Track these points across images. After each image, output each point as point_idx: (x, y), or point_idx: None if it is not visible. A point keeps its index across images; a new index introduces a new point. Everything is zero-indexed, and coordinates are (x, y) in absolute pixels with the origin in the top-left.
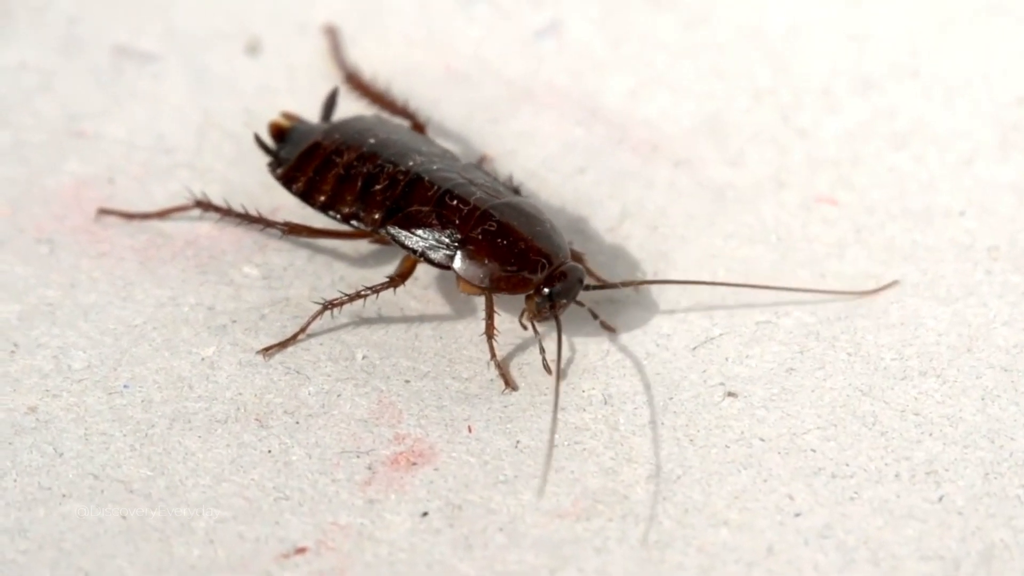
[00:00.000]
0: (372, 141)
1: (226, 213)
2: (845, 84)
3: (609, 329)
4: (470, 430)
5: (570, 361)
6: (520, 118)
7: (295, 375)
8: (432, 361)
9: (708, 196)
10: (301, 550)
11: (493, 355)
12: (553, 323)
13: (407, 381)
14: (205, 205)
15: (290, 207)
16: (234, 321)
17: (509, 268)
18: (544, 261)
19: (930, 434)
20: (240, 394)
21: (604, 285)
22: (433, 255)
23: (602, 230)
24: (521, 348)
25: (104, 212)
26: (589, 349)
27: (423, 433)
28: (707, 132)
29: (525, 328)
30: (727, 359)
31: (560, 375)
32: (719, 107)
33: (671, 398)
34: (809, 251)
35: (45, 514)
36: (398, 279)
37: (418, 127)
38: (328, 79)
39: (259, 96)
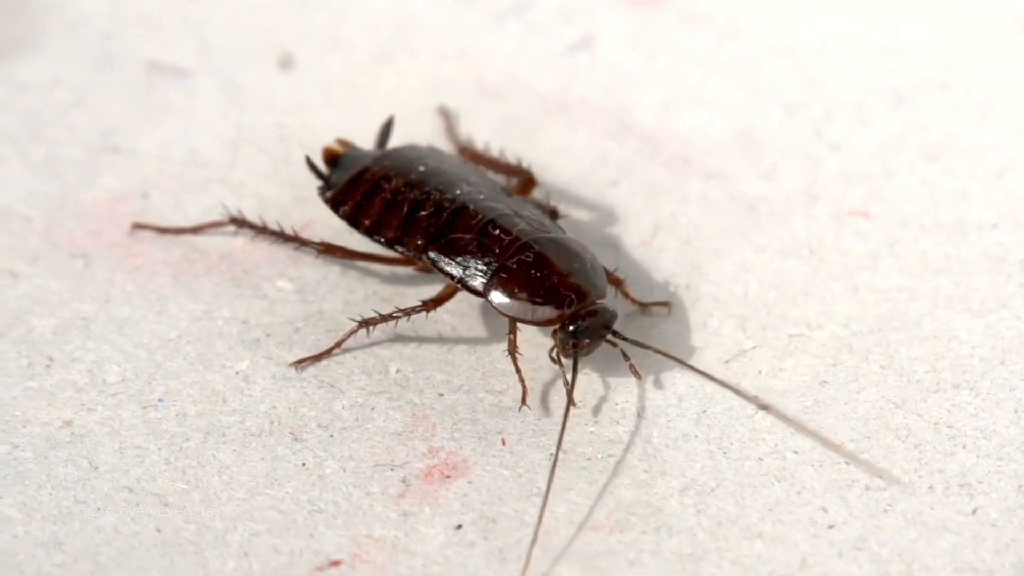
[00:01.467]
0: (422, 169)
1: (261, 230)
2: (877, 98)
3: (637, 375)
4: (504, 443)
5: (603, 375)
6: (553, 132)
7: (329, 388)
8: (466, 374)
9: (740, 209)
10: (335, 563)
11: (517, 370)
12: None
13: (441, 394)
14: (240, 222)
15: (323, 221)
16: (268, 335)
17: (537, 300)
18: (573, 297)
19: (963, 446)
20: (274, 408)
21: (637, 303)
22: (470, 281)
23: (635, 243)
24: (554, 367)
25: (139, 227)
26: (623, 363)
27: (457, 446)
28: (739, 146)
29: (554, 362)
30: (760, 372)
31: (568, 413)
32: (751, 121)
33: (704, 411)
34: (842, 264)
35: (80, 527)
36: (431, 304)
37: (530, 182)
38: (360, 94)
39: (292, 111)
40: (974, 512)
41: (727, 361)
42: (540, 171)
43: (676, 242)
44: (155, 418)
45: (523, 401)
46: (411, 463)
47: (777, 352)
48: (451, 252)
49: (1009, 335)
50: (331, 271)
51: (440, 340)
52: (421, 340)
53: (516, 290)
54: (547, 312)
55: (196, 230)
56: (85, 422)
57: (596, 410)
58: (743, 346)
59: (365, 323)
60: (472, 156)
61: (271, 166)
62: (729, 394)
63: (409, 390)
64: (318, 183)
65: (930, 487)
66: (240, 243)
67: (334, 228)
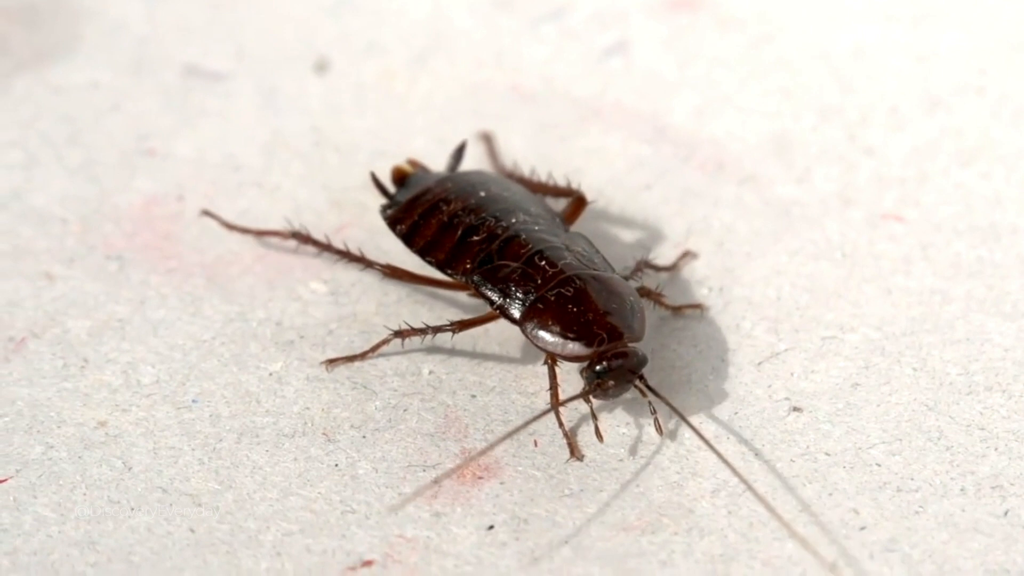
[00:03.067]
0: (482, 194)
1: (325, 248)
2: (911, 102)
3: (659, 430)
4: (536, 444)
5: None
6: (588, 136)
7: (362, 390)
8: (498, 376)
9: (774, 213)
10: (368, 563)
11: (560, 425)
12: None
13: (473, 396)
14: (303, 237)
15: (357, 225)
16: (302, 336)
17: (569, 335)
18: (604, 336)
19: (995, 448)
20: (307, 409)
21: (670, 307)
22: (509, 309)
23: (669, 246)
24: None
25: (207, 214)
26: (655, 364)
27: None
28: (773, 150)
29: (584, 400)
30: (792, 374)
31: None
32: (785, 125)
33: (736, 412)
34: (875, 267)
35: (114, 527)
36: (459, 325)
37: (581, 201)
38: (395, 99)
39: (327, 115)
40: (1006, 514)
41: (759, 363)
42: (575, 174)
43: (709, 245)
44: (189, 419)
45: (572, 454)
46: (443, 464)
47: (809, 354)
48: (495, 278)
49: None
50: (365, 274)
51: (473, 342)
52: (454, 341)
53: (550, 322)
54: (576, 348)
55: (259, 234)
56: (119, 423)
57: (628, 410)
58: (775, 348)
59: (399, 334)
60: (519, 181)
61: (306, 170)
62: (761, 396)
63: (442, 391)
64: (379, 198)
65: (962, 489)
66: (274, 245)
67: (368, 230)
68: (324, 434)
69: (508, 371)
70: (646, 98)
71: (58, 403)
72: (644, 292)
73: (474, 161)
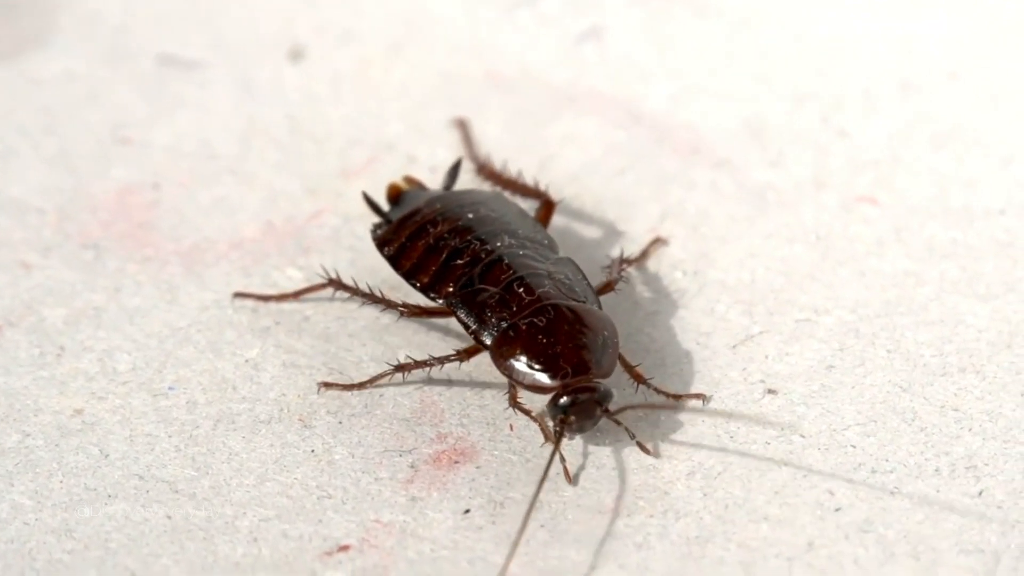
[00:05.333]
0: (470, 216)
1: (355, 292)
2: (885, 87)
3: (645, 451)
4: (512, 428)
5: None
6: (562, 122)
7: (338, 376)
8: (475, 361)
9: (748, 197)
10: (344, 548)
11: (527, 413)
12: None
13: (449, 381)
14: (337, 284)
15: (332, 211)
16: (277, 323)
17: (535, 365)
18: (569, 370)
19: (970, 429)
20: (283, 395)
21: (670, 395)
22: (481, 334)
23: (643, 231)
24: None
25: (240, 296)
26: (629, 349)
27: (465, 432)
28: (748, 134)
29: (555, 442)
30: (767, 357)
31: (538, 492)
32: (760, 110)
33: (711, 396)
34: (849, 250)
35: (91, 514)
36: (464, 354)
37: (549, 205)
38: (371, 87)
39: (303, 103)
40: (980, 494)
41: (734, 346)
42: (550, 160)
43: (684, 229)
44: (165, 406)
45: (546, 439)
46: (419, 449)
47: (784, 337)
48: (473, 303)
49: (1016, 319)
50: (340, 260)
51: (448, 328)
52: (430, 327)
53: (518, 351)
54: (540, 379)
55: (297, 295)
56: (96, 410)
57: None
58: (750, 331)
59: (400, 368)
60: (490, 175)
61: (282, 158)
62: (736, 379)
63: (417, 376)
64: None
65: (936, 469)
66: (250, 232)
67: (343, 217)
68: (300, 420)
69: (484, 356)
70: (621, 84)
71: (34, 391)
72: (637, 377)
73: (450, 149)
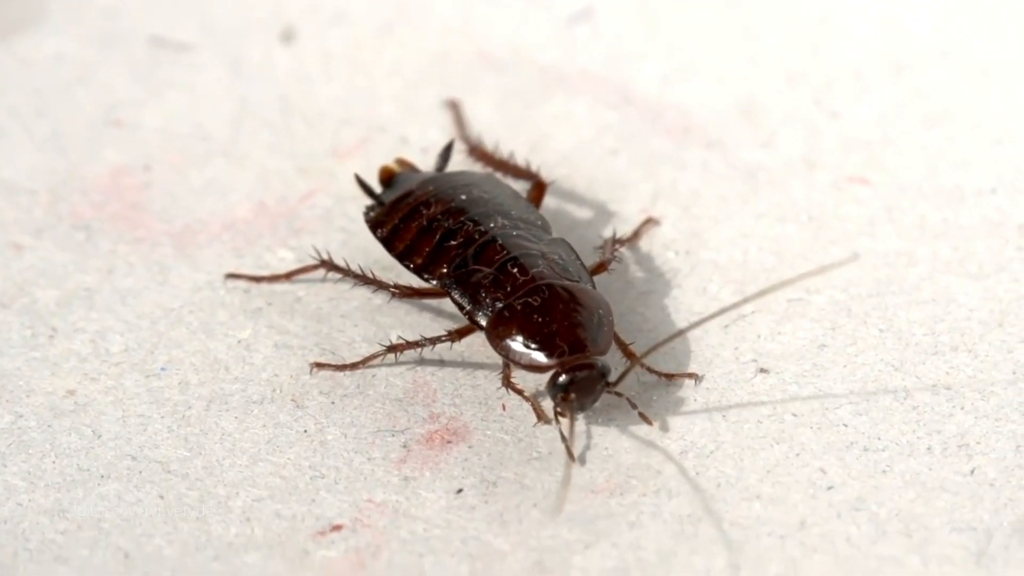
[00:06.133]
0: (463, 197)
1: (346, 273)
2: (877, 67)
3: (647, 421)
4: (504, 408)
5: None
6: (554, 103)
7: (331, 356)
8: (467, 341)
9: (740, 177)
10: (337, 527)
11: (520, 393)
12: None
13: (441, 361)
14: (329, 265)
15: (325, 191)
16: (270, 304)
17: (531, 344)
18: (566, 349)
19: (961, 408)
20: (276, 375)
21: (662, 375)
22: (476, 315)
23: (635, 211)
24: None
25: (232, 276)
26: (621, 329)
27: (457, 412)
28: (739, 115)
29: (556, 417)
30: (759, 336)
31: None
32: (751, 90)
33: (704, 375)
34: (841, 230)
35: (84, 495)
36: (456, 335)
37: (541, 186)
38: (362, 67)
39: (294, 84)
40: (972, 472)
41: (726, 326)
42: (542, 140)
43: (676, 209)
44: (158, 387)
45: (539, 419)
46: (412, 428)
47: (776, 316)
48: (467, 284)
49: (1007, 298)
50: (332, 240)
51: (440, 309)
52: (422, 308)
53: (514, 331)
54: (537, 358)
55: (289, 276)
56: (88, 391)
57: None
58: (742, 311)
59: (392, 349)
60: (481, 156)
61: (273, 139)
62: (728, 358)
63: (410, 357)
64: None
65: (928, 448)
66: (242, 213)
67: (335, 197)
68: (293, 400)
69: (476, 336)
70: (613, 64)
71: (27, 372)
72: (630, 356)
73: (442, 130)
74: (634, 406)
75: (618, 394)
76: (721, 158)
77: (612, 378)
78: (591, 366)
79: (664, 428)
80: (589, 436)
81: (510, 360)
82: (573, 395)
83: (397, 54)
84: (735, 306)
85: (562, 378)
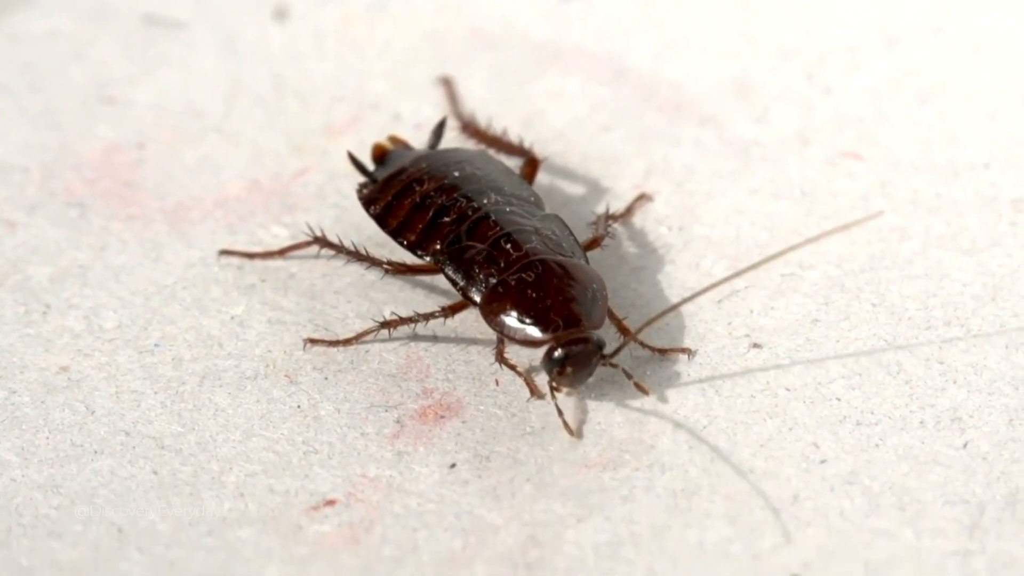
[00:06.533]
0: (456, 174)
1: (340, 250)
2: (870, 42)
3: (643, 391)
4: (497, 383)
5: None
6: (547, 80)
7: (324, 332)
8: (460, 316)
9: (733, 153)
10: (331, 502)
11: (513, 368)
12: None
13: (435, 337)
14: (322, 242)
15: (318, 169)
16: (263, 280)
17: (526, 320)
18: (560, 324)
19: (954, 382)
20: (269, 351)
21: (656, 350)
22: (469, 291)
23: (628, 187)
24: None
25: (225, 253)
26: (615, 304)
27: (451, 387)
28: (732, 91)
29: (552, 392)
30: (752, 311)
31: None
32: (744, 66)
33: (697, 350)
34: (834, 205)
35: (77, 470)
36: (449, 310)
37: (534, 163)
38: (355, 45)
39: (287, 62)
40: (965, 446)
41: (719, 301)
42: (535, 117)
43: (669, 185)
44: (151, 363)
45: (532, 394)
46: (405, 404)
47: (769, 292)
48: (460, 260)
49: (1000, 273)
50: (325, 217)
51: (433, 285)
52: (415, 284)
53: (508, 306)
54: (532, 333)
55: (282, 252)
56: (82, 367)
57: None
58: (735, 286)
59: (385, 325)
60: (474, 132)
61: (266, 116)
62: (721, 333)
63: (403, 332)
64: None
65: (921, 422)
66: (235, 191)
67: (328, 174)
68: (286, 376)
69: (470, 312)
70: (605, 41)
71: (20, 349)
72: (624, 331)
73: (435, 107)
74: (629, 376)
75: (613, 365)
76: (714, 134)
77: (607, 352)
78: (586, 340)
79: (657, 403)
80: (582, 411)
81: (505, 336)
82: (569, 369)
83: (390, 31)
84: (737, 275)
85: (557, 353)
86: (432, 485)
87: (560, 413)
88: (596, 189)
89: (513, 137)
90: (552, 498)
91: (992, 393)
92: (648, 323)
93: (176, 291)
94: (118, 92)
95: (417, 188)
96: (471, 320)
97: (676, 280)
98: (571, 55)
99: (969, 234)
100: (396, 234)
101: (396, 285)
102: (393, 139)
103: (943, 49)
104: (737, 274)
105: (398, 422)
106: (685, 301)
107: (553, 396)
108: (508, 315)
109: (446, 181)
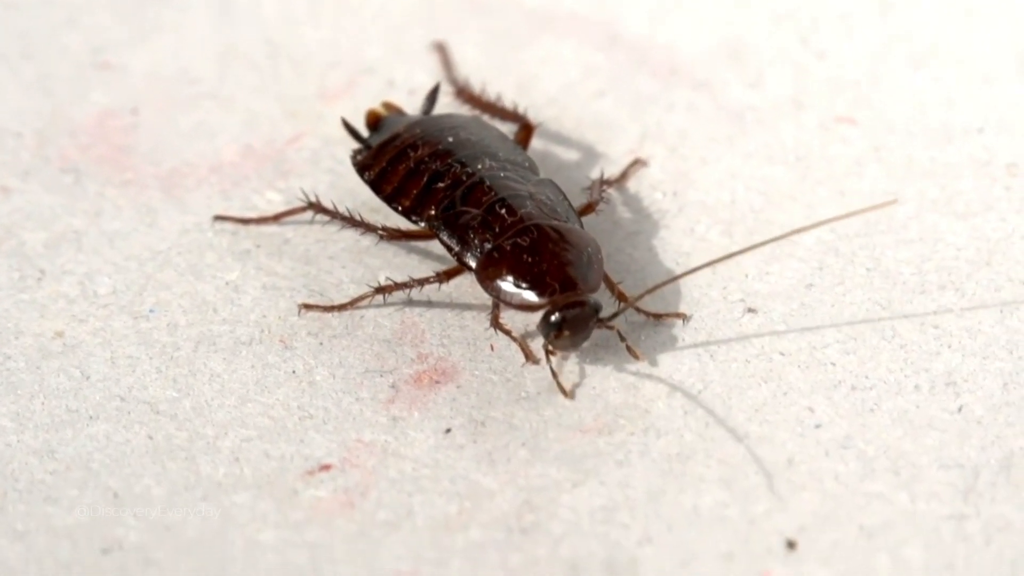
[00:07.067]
0: (450, 139)
1: (334, 216)
2: (863, 6)
3: (634, 355)
4: (492, 349)
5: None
6: (541, 45)
7: (319, 298)
8: (454, 282)
9: (727, 118)
10: (326, 467)
11: (508, 334)
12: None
13: (429, 302)
14: (317, 207)
15: (313, 134)
16: (258, 246)
17: (522, 284)
18: (556, 287)
19: (949, 346)
20: (264, 317)
21: (651, 315)
22: (465, 256)
23: (623, 152)
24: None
25: (220, 219)
26: (610, 270)
27: (446, 352)
28: (726, 55)
29: (547, 355)
30: (747, 276)
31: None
32: (738, 31)
33: (692, 315)
34: (828, 170)
35: (73, 435)
36: (444, 276)
37: (528, 128)
38: (349, 9)
39: (281, 26)
40: (959, 410)
41: (714, 266)
42: (529, 82)
43: (664, 150)
44: (146, 328)
45: (527, 359)
46: (400, 369)
47: (764, 256)
48: (455, 225)
49: (994, 237)
50: (320, 183)
51: (428, 251)
52: (410, 250)
53: (504, 271)
54: (529, 297)
55: (277, 218)
56: (77, 333)
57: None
58: (730, 251)
59: (380, 290)
60: (468, 98)
61: (260, 81)
62: (716, 298)
63: (398, 298)
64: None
65: (916, 386)
66: (230, 156)
67: (323, 140)
68: (281, 341)
69: (464, 277)
70: (599, 6)
71: (15, 314)
72: (620, 296)
73: (429, 72)
74: (623, 339)
75: (609, 327)
76: (709, 99)
77: (604, 315)
78: (583, 303)
79: (652, 368)
80: (577, 376)
81: (501, 300)
82: (566, 333)
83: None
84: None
85: (554, 316)
86: (427, 450)
87: (555, 375)
88: (590, 154)
89: (507, 102)
90: (547, 463)
91: (987, 357)
92: (648, 292)
93: (171, 257)
94: (112, 58)
95: (411, 154)
96: (466, 285)
97: (671, 245)
98: (565, 20)
99: (963, 198)
100: (391, 200)
101: (391, 250)
102: (387, 105)
103: (937, 13)
104: (754, 246)
105: (393, 387)
106: (691, 271)
107: (548, 359)
108: (504, 280)
109: (440, 147)
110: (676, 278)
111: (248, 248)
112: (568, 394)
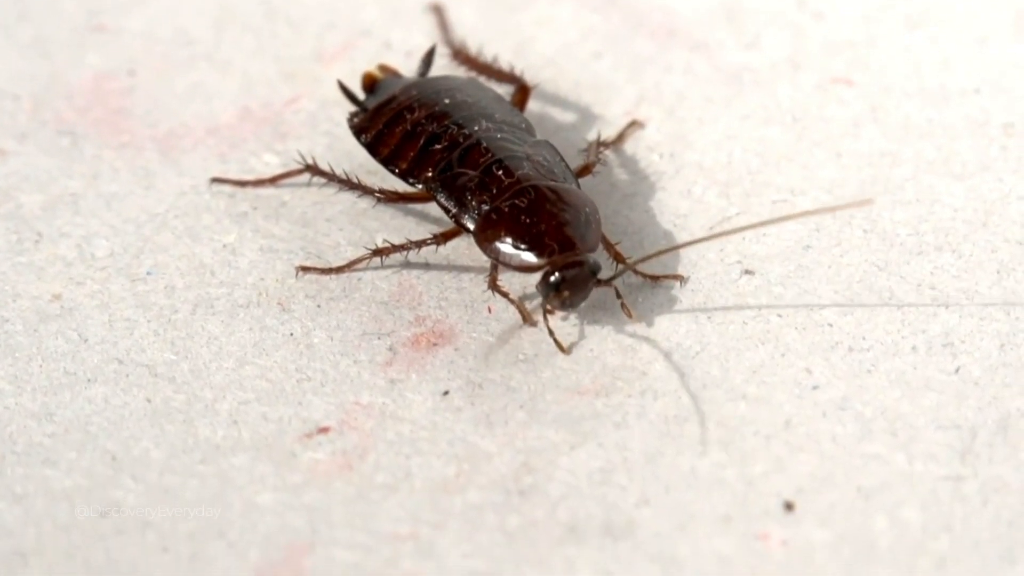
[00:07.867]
0: (447, 101)
1: (331, 178)
2: None
3: (628, 314)
4: (490, 311)
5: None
6: (537, 7)
7: (316, 260)
8: (452, 244)
9: (724, 79)
10: (324, 429)
11: (505, 295)
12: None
13: (427, 264)
14: (314, 170)
15: (310, 96)
16: (255, 208)
17: (520, 245)
18: (555, 247)
19: (946, 307)
20: (262, 279)
21: (648, 277)
22: (463, 218)
23: (619, 114)
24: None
25: (217, 181)
26: (606, 231)
27: (443, 315)
28: (723, 16)
29: (546, 314)
30: (744, 237)
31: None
32: None
33: (689, 276)
34: (825, 131)
35: (71, 398)
36: (442, 238)
37: (525, 90)
38: None
39: None
40: (957, 371)
41: (711, 228)
42: (526, 44)
43: (660, 112)
44: (144, 291)
45: (524, 320)
46: (398, 331)
47: (761, 218)
48: (452, 187)
49: (991, 198)
50: (317, 145)
51: (425, 213)
52: (407, 212)
53: (503, 232)
54: (528, 258)
55: (274, 180)
56: (74, 295)
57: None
58: (727, 212)
59: (377, 252)
60: (465, 60)
61: (257, 43)
62: (713, 260)
63: (395, 260)
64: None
65: (913, 347)
66: (227, 118)
67: (320, 102)
68: (279, 304)
69: (462, 239)
70: None
71: (12, 277)
72: (617, 257)
73: (425, 34)
74: (619, 296)
75: (607, 284)
76: (705, 60)
77: (602, 276)
78: (582, 263)
79: (650, 329)
80: (575, 338)
81: (500, 262)
82: (566, 292)
83: None
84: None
85: (554, 276)
86: (425, 412)
87: (552, 334)
88: (587, 116)
89: (504, 64)
90: (545, 425)
91: (984, 318)
92: (648, 257)
93: (168, 219)
94: (108, 20)
95: (408, 116)
96: (463, 247)
97: (668, 207)
98: None
99: (960, 159)
100: (387, 162)
101: (388, 213)
102: (383, 68)
103: None
104: (763, 223)
105: (391, 349)
106: (695, 242)
107: (546, 319)
108: (503, 241)
109: (437, 109)
110: (678, 247)
111: (245, 210)
112: (566, 351)
